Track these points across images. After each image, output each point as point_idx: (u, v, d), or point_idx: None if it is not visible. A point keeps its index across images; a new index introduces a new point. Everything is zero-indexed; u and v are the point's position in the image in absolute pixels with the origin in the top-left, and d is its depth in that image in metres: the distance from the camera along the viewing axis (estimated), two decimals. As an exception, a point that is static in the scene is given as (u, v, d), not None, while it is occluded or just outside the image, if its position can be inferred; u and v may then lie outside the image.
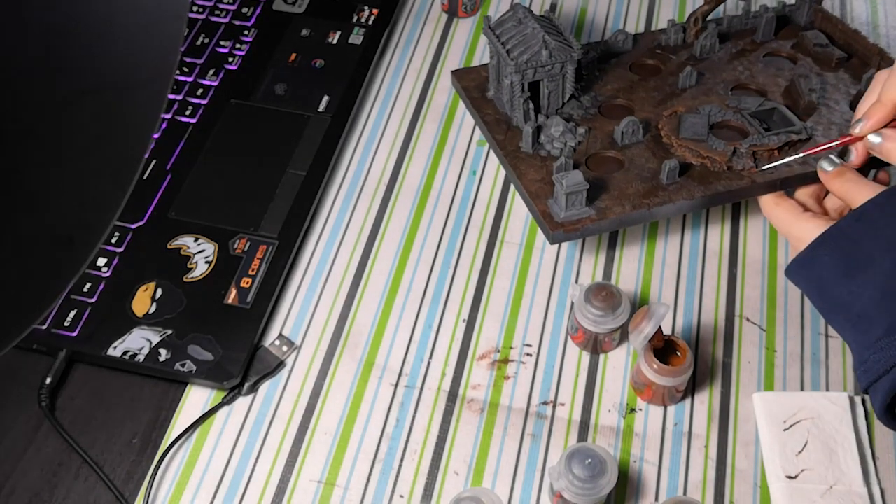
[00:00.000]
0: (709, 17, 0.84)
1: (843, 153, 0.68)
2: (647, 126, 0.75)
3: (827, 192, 0.71)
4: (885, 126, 0.66)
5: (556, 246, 0.78)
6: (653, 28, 0.96)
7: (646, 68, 0.82)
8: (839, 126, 0.74)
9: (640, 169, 0.72)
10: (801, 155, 0.70)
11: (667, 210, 0.70)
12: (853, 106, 0.76)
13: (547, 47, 0.72)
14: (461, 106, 0.88)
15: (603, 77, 0.80)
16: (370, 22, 0.94)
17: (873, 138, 0.66)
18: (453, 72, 0.82)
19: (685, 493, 0.65)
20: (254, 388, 0.70)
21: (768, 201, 0.70)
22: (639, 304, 0.75)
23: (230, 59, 0.90)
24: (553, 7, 0.98)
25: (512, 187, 0.82)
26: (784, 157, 0.71)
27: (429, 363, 0.71)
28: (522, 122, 0.75)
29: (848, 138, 0.67)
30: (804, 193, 0.71)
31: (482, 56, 0.93)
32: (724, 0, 0.84)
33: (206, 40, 0.92)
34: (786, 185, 0.70)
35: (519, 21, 0.74)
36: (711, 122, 0.74)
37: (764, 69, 0.81)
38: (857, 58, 0.81)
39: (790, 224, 0.67)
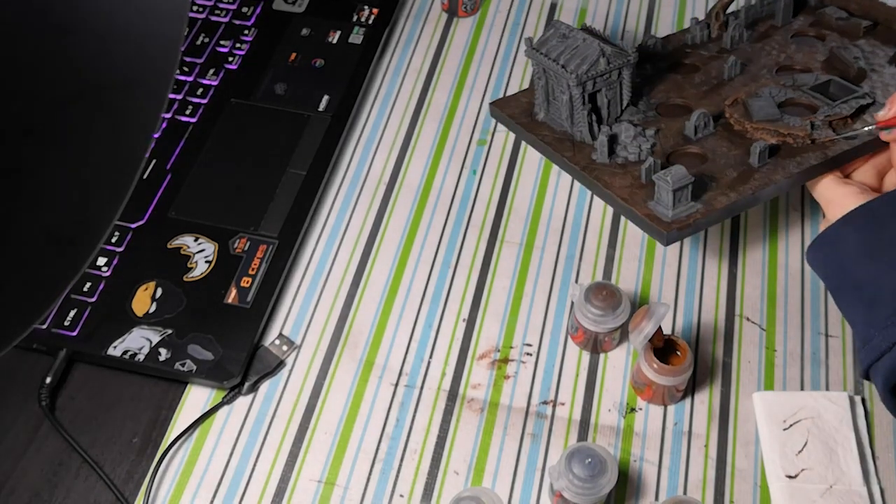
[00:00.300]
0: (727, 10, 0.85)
1: None
2: (712, 118, 0.75)
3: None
4: None
5: (556, 246, 0.78)
6: (652, 27, 0.96)
7: (685, 67, 0.82)
8: (894, 87, 0.75)
9: (726, 158, 0.72)
10: (873, 128, 0.70)
11: (769, 192, 0.69)
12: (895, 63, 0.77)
13: (604, 55, 0.71)
14: (461, 105, 0.88)
15: (647, 82, 0.80)
16: (370, 21, 0.94)
17: None
18: (492, 103, 0.79)
19: (685, 492, 0.65)
20: (254, 388, 0.70)
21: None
22: (639, 303, 0.75)
23: (230, 59, 0.90)
24: (553, 7, 0.98)
25: (513, 187, 0.82)
26: (854, 128, 0.71)
27: (429, 363, 0.71)
28: (588, 135, 0.73)
29: None
30: (868, 166, 0.71)
31: (482, 56, 0.93)
32: None
33: (206, 40, 0.92)
34: (868, 148, 0.70)
35: (564, 36, 0.73)
36: (777, 103, 0.74)
37: (797, 49, 0.81)
38: (881, 25, 0.81)
39: (826, 188, 0.68)
